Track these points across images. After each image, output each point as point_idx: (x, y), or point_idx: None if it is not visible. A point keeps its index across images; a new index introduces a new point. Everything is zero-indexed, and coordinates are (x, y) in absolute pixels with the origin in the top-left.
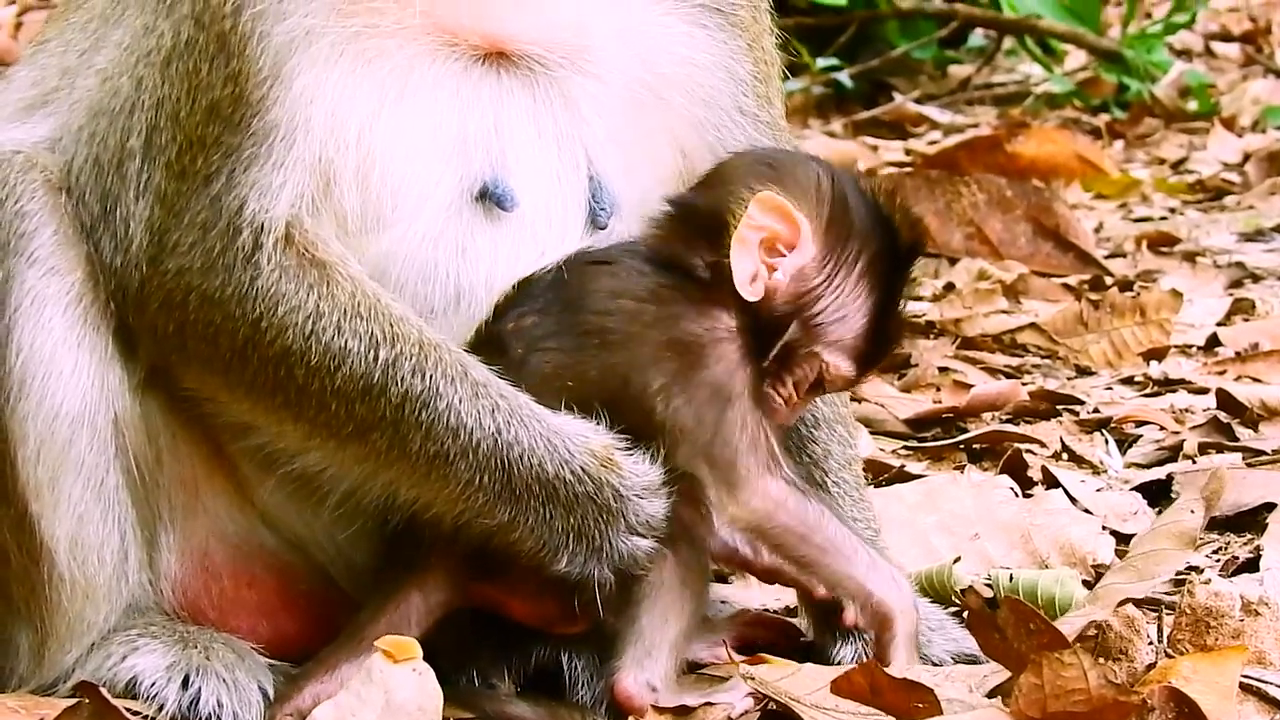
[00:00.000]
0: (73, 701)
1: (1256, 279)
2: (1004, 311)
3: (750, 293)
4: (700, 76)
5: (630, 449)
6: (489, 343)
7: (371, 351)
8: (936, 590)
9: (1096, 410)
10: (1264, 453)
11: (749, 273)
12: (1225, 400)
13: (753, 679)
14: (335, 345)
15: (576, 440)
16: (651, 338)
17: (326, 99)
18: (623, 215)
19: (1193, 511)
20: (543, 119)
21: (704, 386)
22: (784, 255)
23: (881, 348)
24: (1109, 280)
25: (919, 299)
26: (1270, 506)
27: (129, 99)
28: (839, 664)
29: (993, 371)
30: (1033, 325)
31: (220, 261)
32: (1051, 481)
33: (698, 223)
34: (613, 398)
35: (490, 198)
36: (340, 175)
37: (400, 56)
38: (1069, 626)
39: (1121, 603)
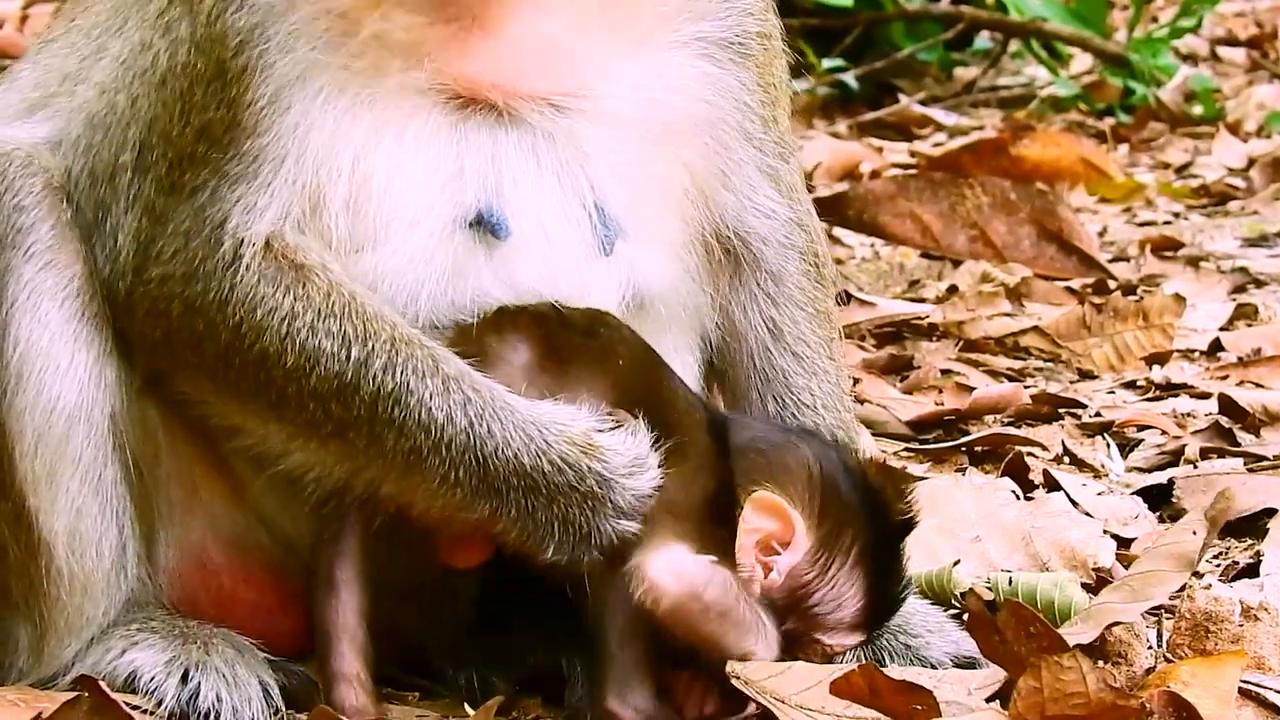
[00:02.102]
0: (72, 695)
1: (1260, 284)
2: (1007, 314)
3: (749, 594)
4: (710, 112)
5: (615, 426)
6: (584, 310)
7: (344, 350)
8: (936, 592)
9: (1098, 414)
10: (1265, 458)
11: (745, 577)
12: (1227, 405)
13: (738, 677)
14: (310, 346)
15: (554, 430)
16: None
17: (323, 130)
18: (629, 240)
19: (1195, 533)
20: (543, 153)
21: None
22: (779, 554)
23: (882, 618)
24: (1112, 284)
25: (922, 300)
26: (1271, 512)
27: (123, 114)
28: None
29: (995, 374)
30: (1035, 328)
31: (201, 269)
32: (1053, 485)
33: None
34: (645, 396)
35: (484, 225)
36: (330, 201)
37: (403, 99)
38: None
39: (1111, 625)
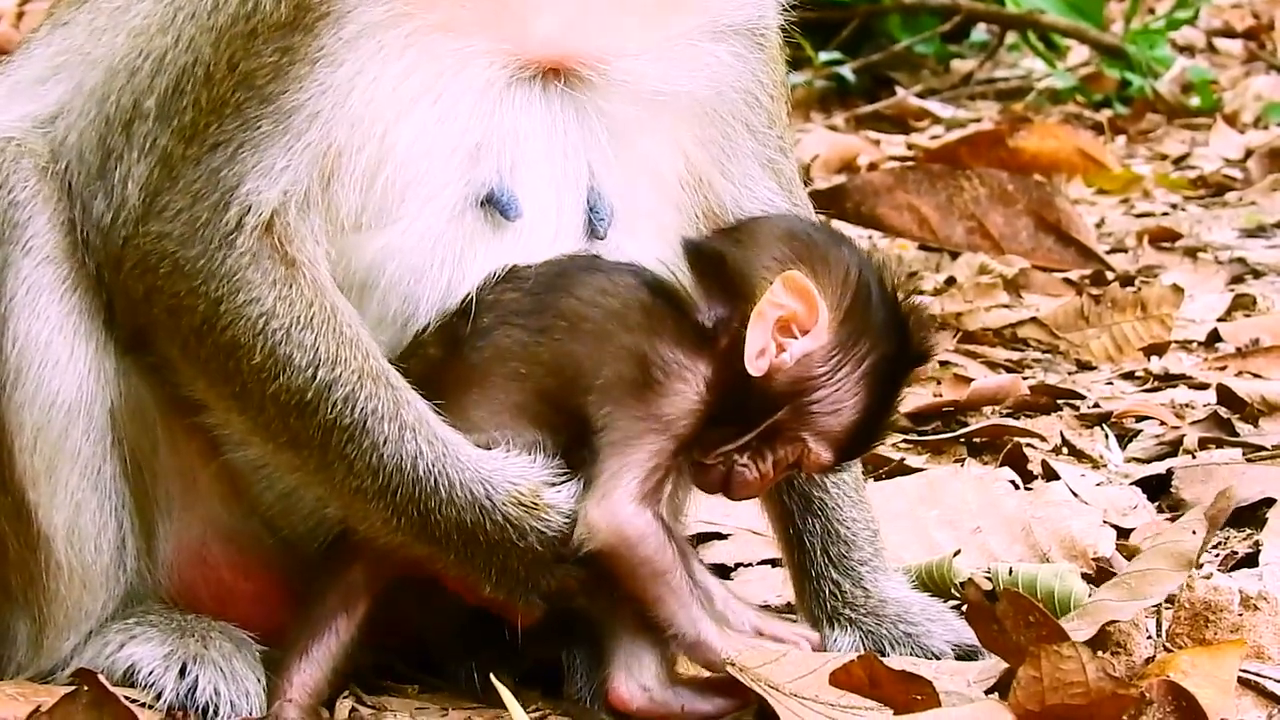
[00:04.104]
0: (71, 688)
1: (1258, 275)
2: (1005, 306)
3: (755, 368)
4: (720, 102)
5: (566, 476)
6: (463, 309)
7: (311, 369)
8: (936, 583)
9: (1097, 405)
10: (1264, 448)
11: (758, 348)
12: (1225, 396)
13: (734, 664)
14: (280, 352)
15: (502, 489)
16: (621, 340)
17: (366, 93)
18: (622, 227)
19: (1194, 532)
20: (555, 130)
21: (644, 405)
22: (796, 338)
23: (867, 443)
24: (1110, 275)
25: (920, 292)
26: (1270, 502)
27: (158, 58)
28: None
29: (993, 365)
30: (1034, 320)
31: (201, 233)
32: (1051, 475)
33: (718, 274)
34: (558, 386)
35: (494, 205)
36: (347, 169)
37: (451, 61)
38: None
39: (1108, 623)
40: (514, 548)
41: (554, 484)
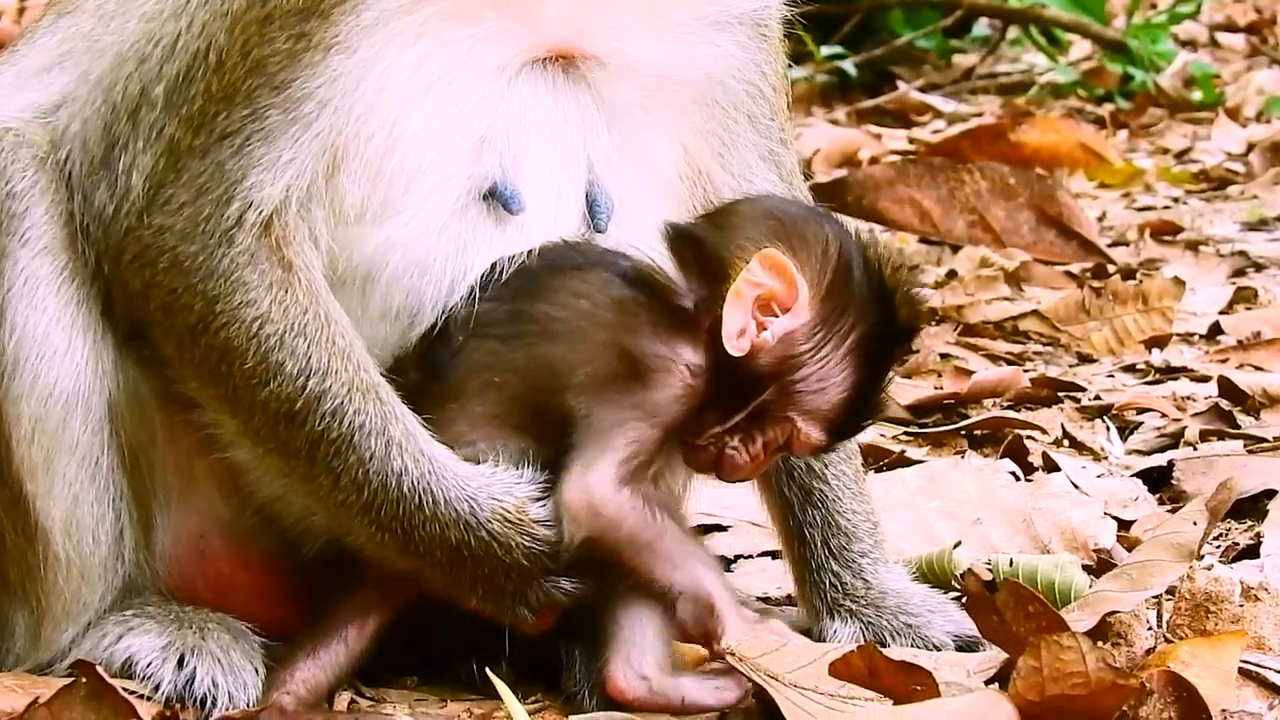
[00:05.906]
0: (69, 680)
1: (1259, 268)
2: (1006, 298)
3: (735, 348)
4: (723, 93)
5: (552, 490)
6: (439, 329)
7: (301, 378)
8: (937, 575)
9: (1098, 397)
10: (1265, 440)
11: (738, 327)
12: (1227, 388)
13: (733, 653)
14: (272, 359)
15: (486, 506)
16: (596, 338)
17: (377, 79)
18: (622, 222)
19: (1195, 524)
20: (557, 122)
21: (627, 396)
22: (777, 316)
23: (858, 421)
24: (1111, 268)
25: (922, 285)
26: (1271, 493)
27: (169, 43)
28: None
29: (994, 358)
30: (1035, 312)
31: (202, 228)
32: (1052, 467)
33: (697, 257)
34: (534, 392)
35: (497, 197)
36: (354, 160)
37: (461, 47)
38: None
39: (1109, 614)
40: (500, 563)
41: (540, 499)
